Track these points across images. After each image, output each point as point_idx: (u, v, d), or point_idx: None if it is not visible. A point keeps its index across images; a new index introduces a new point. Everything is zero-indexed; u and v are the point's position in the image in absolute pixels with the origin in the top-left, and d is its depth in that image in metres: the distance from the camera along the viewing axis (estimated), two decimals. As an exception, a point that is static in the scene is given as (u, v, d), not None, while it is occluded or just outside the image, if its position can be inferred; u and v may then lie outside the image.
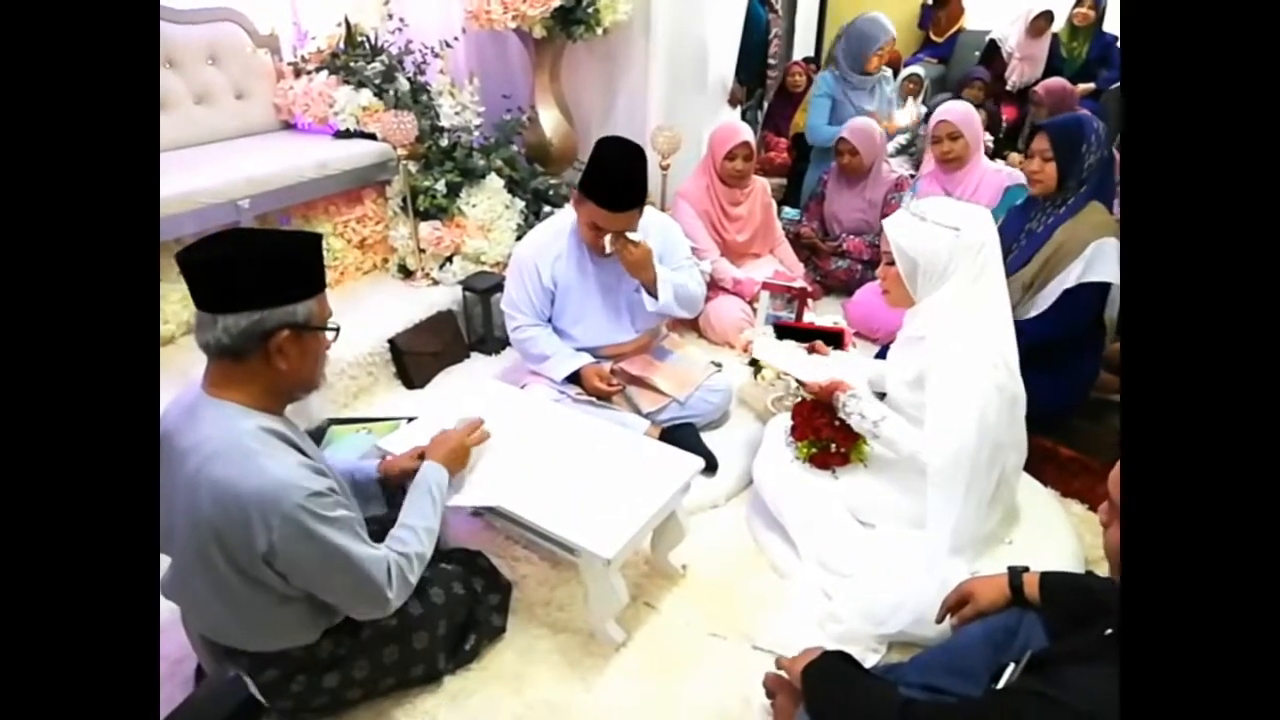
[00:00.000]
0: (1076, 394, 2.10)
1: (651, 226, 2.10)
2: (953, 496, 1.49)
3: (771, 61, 4.65)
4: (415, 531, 1.26)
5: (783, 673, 1.29)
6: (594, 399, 2.04)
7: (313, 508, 1.07)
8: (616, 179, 1.85)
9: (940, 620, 1.35)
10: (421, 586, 1.31)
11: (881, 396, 1.80)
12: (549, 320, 2.11)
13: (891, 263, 1.57)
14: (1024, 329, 1.94)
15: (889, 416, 1.60)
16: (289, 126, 2.89)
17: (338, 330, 1.17)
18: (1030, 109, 3.69)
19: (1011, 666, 1.00)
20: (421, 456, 1.42)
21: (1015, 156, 3.64)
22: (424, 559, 1.26)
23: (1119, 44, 4.41)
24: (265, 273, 1.06)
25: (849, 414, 1.64)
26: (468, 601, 1.44)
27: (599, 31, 2.88)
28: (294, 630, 1.20)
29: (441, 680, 1.43)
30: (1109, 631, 0.89)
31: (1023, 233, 2.11)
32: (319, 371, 1.19)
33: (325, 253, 2.58)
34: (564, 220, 2.08)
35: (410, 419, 1.84)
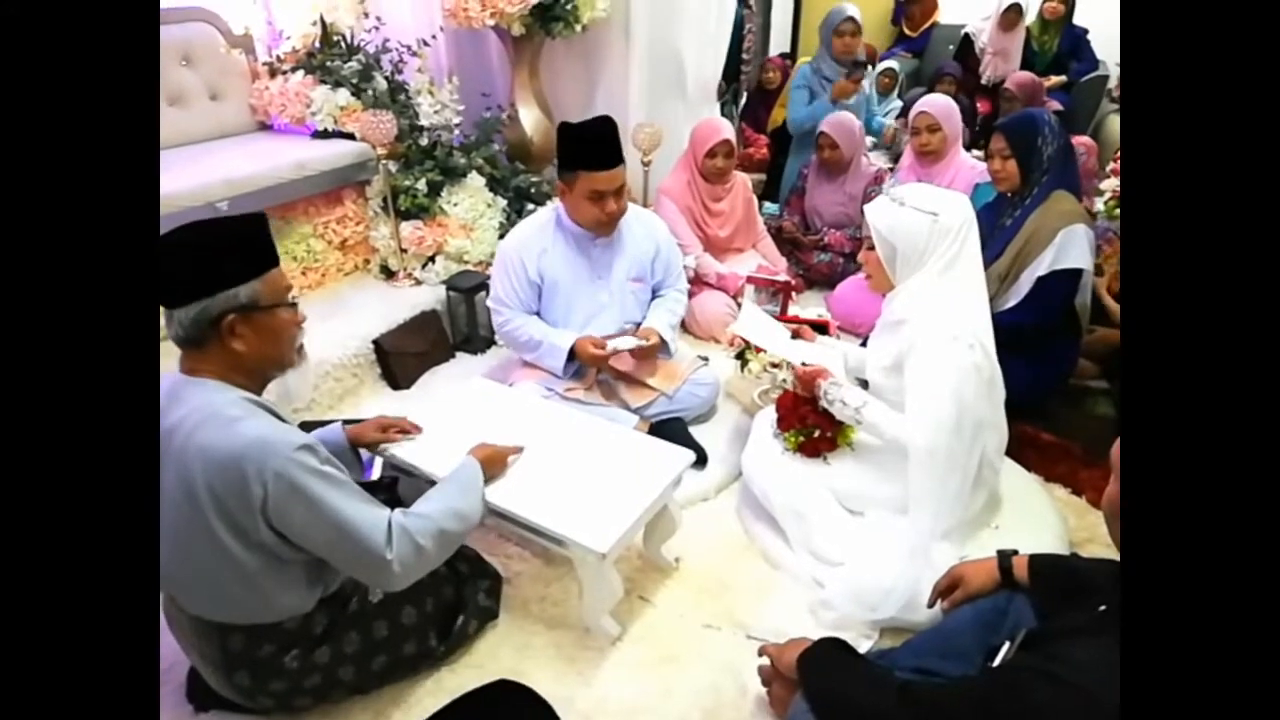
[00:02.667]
0: (1056, 380, 2.14)
1: (640, 229, 2.11)
2: (935, 477, 1.51)
3: (746, 57, 4.66)
4: (433, 503, 1.28)
5: (766, 660, 1.30)
6: (582, 395, 2.04)
7: (302, 459, 1.11)
8: (596, 139, 1.88)
9: (932, 605, 1.38)
10: None
11: (865, 385, 1.82)
12: (536, 314, 2.10)
13: (872, 247, 1.59)
14: (1001, 320, 1.97)
15: (870, 402, 1.61)
16: (265, 127, 2.85)
17: (295, 305, 1.21)
18: (1002, 104, 3.75)
19: (1006, 645, 1.02)
20: (384, 429, 1.55)
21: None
22: (445, 533, 1.26)
23: (1089, 36, 4.48)
24: (196, 263, 1.09)
25: (830, 401, 1.66)
26: (452, 581, 1.46)
27: (578, 28, 2.87)
28: (291, 597, 1.21)
29: (438, 668, 1.45)
30: (1103, 608, 0.91)
31: (995, 229, 2.15)
32: (287, 348, 1.21)
33: (306, 254, 2.60)
34: (548, 215, 2.08)
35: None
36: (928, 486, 1.52)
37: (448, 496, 1.32)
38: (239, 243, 1.14)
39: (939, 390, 1.49)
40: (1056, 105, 4.00)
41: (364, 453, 1.68)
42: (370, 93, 2.69)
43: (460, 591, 1.47)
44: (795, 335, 2.02)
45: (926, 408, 1.51)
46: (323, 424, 2.08)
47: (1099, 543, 1.78)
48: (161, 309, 1.10)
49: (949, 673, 1.20)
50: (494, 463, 1.47)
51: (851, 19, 3.32)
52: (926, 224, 1.50)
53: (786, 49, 5.37)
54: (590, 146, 1.89)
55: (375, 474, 1.77)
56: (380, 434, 1.55)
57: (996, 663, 1.02)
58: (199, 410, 1.10)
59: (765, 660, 1.34)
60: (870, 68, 3.67)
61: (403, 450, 1.56)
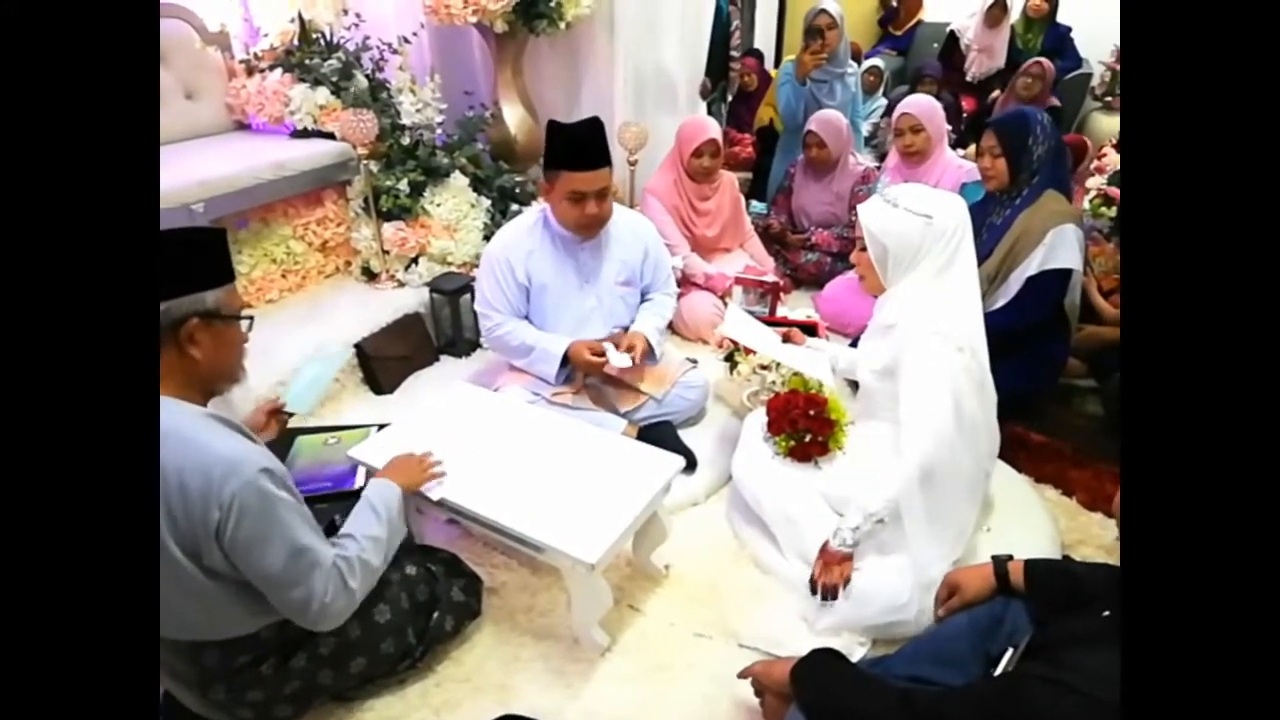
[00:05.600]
0: (1045, 379, 2.13)
1: (628, 232, 2.08)
2: (932, 495, 1.47)
3: (734, 54, 4.65)
4: (356, 539, 1.25)
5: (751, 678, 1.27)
6: (569, 400, 2.01)
7: (267, 484, 1.08)
8: (579, 139, 1.85)
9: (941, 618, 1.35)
10: None
11: (855, 386, 1.80)
12: (525, 318, 2.07)
13: (865, 248, 1.57)
14: (990, 320, 1.96)
15: (870, 504, 1.48)
16: (243, 127, 2.79)
17: (251, 320, 1.20)
18: (1022, 80, 3.79)
19: (1010, 652, 1.00)
20: (272, 413, 1.52)
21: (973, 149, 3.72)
22: (369, 566, 1.24)
23: (1073, 34, 4.51)
24: (166, 263, 1.06)
25: (845, 543, 1.51)
26: (426, 579, 1.44)
27: (561, 26, 2.84)
28: (262, 612, 1.18)
29: (423, 677, 1.44)
30: (1106, 614, 0.90)
31: (984, 227, 2.14)
32: (238, 363, 1.21)
33: (286, 256, 2.56)
34: (534, 217, 2.05)
35: (381, 426, 1.79)
36: (924, 505, 1.47)
37: (366, 525, 1.28)
38: (208, 249, 1.14)
39: (936, 398, 1.46)
40: (1055, 101, 4.01)
41: (346, 462, 1.65)
42: (350, 91, 2.64)
43: (434, 589, 1.45)
44: (785, 339, 2.00)
45: (924, 421, 1.46)
46: (304, 431, 2.05)
47: (1091, 544, 1.77)
48: None
49: (944, 680, 1.19)
50: (409, 472, 1.43)
51: (825, 11, 3.30)
52: (920, 226, 1.48)
53: (771, 46, 5.36)
54: (573, 146, 1.86)
55: (358, 482, 1.74)
56: (265, 418, 1.52)
57: (999, 670, 1.00)
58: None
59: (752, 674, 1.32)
60: (855, 65, 3.67)
61: (384, 461, 1.52)
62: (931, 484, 1.49)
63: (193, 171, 2.22)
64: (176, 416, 1.07)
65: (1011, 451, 1.94)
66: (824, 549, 1.54)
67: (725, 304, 2.69)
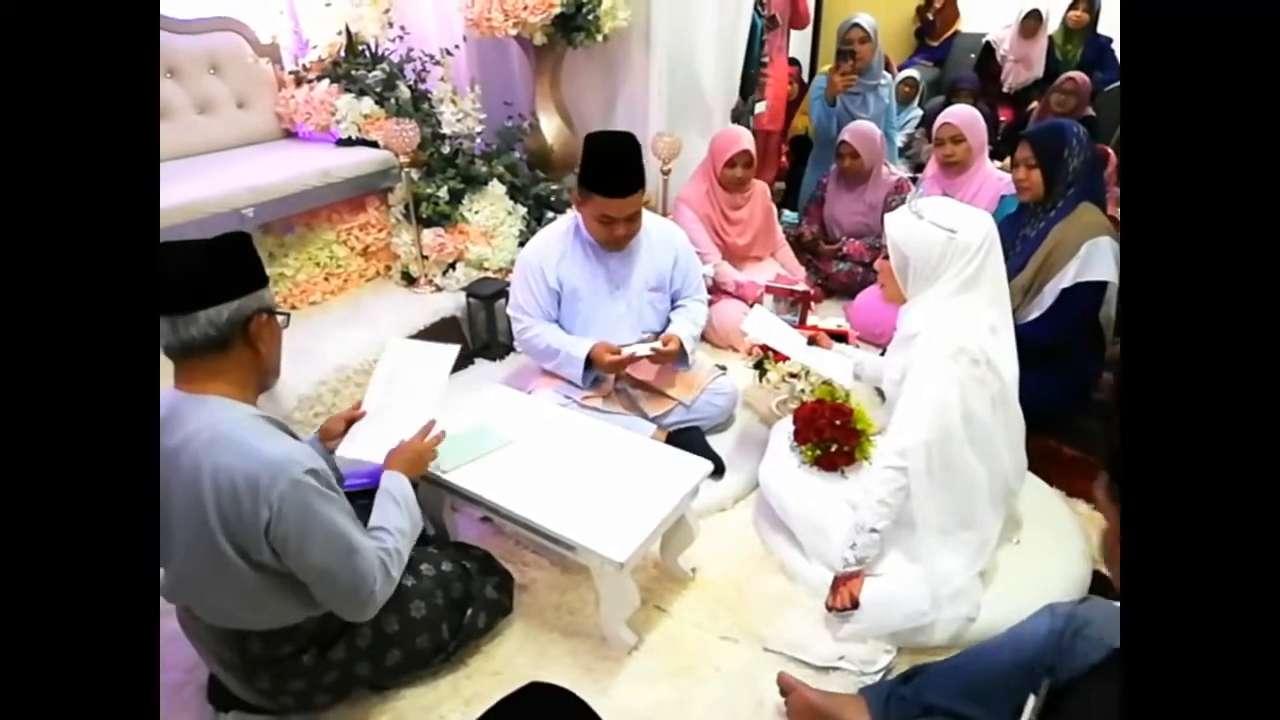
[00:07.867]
0: (1077, 392, 2.11)
1: (659, 238, 2.11)
2: (919, 486, 1.50)
3: (764, 60, 4.66)
4: (388, 531, 1.30)
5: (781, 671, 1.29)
6: (600, 404, 2.05)
7: (313, 483, 1.14)
8: (614, 165, 1.86)
9: None
10: (410, 563, 1.36)
11: (884, 395, 1.81)
12: (555, 323, 2.11)
13: (889, 256, 1.58)
14: (1024, 332, 1.95)
15: (858, 517, 1.56)
16: (291, 135, 2.89)
17: (288, 315, 1.30)
18: (1056, 96, 3.75)
19: (1031, 700, 0.96)
20: (349, 423, 1.51)
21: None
22: (402, 557, 1.30)
23: (1114, 46, 4.44)
24: (232, 267, 1.18)
25: (848, 563, 1.56)
26: (460, 576, 1.48)
27: (599, 38, 2.89)
28: (303, 606, 1.23)
29: (455, 670, 1.48)
30: None
31: (1018, 239, 2.13)
32: (280, 355, 1.29)
33: (329, 260, 2.65)
34: (567, 223, 2.09)
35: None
36: (936, 514, 1.52)
37: (392, 518, 1.32)
38: (248, 253, 1.22)
39: (923, 407, 1.48)
40: (1090, 112, 3.96)
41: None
42: (394, 101, 2.73)
43: (468, 586, 1.49)
44: (812, 341, 2.01)
45: (905, 427, 1.50)
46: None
47: (1122, 559, 1.75)
48: (175, 316, 1.12)
49: (969, 715, 1.15)
50: (415, 461, 1.44)
51: (859, 25, 3.30)
52: (942, 240, 1.48)
53: (808, 54, 5.36)
54: (607, 171, 1.86)
55: None
56: (344, 425, 1.53)
57: None
58: (207, 430, 1.11)
59: (784, 670, 1.33)
60: (889, 76, 3.66)
61: None
62: (936, 492, 1.50)
63: (244, 178, 2.31)
64: (230, 420, 1.13)
65: (1044, 465, 1.92)
66: (835, 577, 1.58)
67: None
